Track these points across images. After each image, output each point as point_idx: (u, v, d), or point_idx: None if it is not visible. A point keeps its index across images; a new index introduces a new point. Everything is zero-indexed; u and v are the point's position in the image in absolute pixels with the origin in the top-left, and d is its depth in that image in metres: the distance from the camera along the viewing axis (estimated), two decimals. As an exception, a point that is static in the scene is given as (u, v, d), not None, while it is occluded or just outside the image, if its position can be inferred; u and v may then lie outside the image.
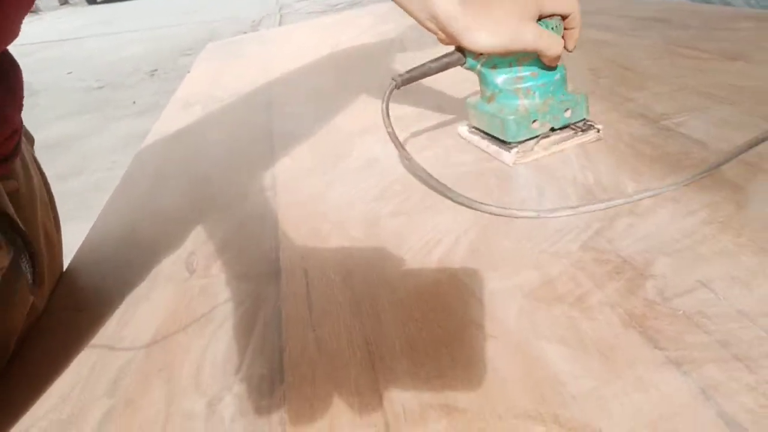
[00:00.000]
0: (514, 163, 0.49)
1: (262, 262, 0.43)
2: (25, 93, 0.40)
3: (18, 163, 0.41)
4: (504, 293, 0.34)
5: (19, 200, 0.40)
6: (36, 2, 0.37)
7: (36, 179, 0.46)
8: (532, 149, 0.49)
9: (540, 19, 0.46)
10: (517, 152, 0.48)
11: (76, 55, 6.24)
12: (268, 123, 0.76)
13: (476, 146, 0.53)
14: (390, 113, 0.46)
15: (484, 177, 0.48)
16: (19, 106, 0.39)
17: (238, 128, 0.77)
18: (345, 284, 0.38)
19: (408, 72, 0.48)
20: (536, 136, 0.49)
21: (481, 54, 0.47)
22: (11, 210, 0.37)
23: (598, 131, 0.50)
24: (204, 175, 0.63)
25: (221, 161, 0.66)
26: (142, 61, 5.33)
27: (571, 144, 0.50)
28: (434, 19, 0.44)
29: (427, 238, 0.41)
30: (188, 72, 1.25)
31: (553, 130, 0.50)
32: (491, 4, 0.43)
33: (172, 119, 0.90)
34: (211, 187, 0.59)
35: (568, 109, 0.49)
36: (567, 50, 0.49)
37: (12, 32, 0.35)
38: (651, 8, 0.93)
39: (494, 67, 0.48)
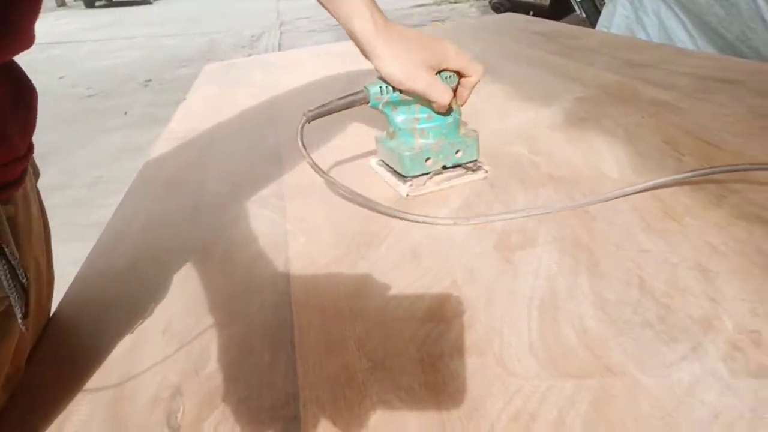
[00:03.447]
0: (407, 195, 0.54)
1: (275, 420, 0.31)
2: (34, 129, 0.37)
3: (18, 192, 0.39)
4: None
5: (15, 228, 0.37)
6: None
7: (35, 212, 0.43)
8: (424, 184, 0.54)
9: (441, 71, 0.52)
10: (411, 185, 0.54)
11: (69, 59, 6.09)
12: (277, 173, 0.64)
13: (381, 177, 0.58)
14: (306, 145, 0.51)
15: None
16: (29, 134, 0.37)
17: (240, 179, 0.65)
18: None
19: (317, 108, 0.52)
20: (428, 173, 0.54)
21: (388, 84, 0.51)
22: (9, 237, 0.34)
23: (486, 172, 0.56)
24: (198, 246, 0.50)
25: (219, 227, 0.54)
26: (137, 70, 5.21)
27: (459, 182, 0.55)
28: (352, 35, 0.50)
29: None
30: (185, 98, 1.13)
31: (445, 168, 0.55)
32: (400, 41, 0.49)
33: (164, 161, 0.77)
34: (208, 272, 0.47)
35: (459, 150, 0.55)
36: (458, 104, 0.55)
37: (26, 38, 0.33)
38: (714, 65, 0.82)
39: (395, 108, 0.54)
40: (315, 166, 0.51)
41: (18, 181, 0.37)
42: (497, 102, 0.79)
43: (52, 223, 0.48)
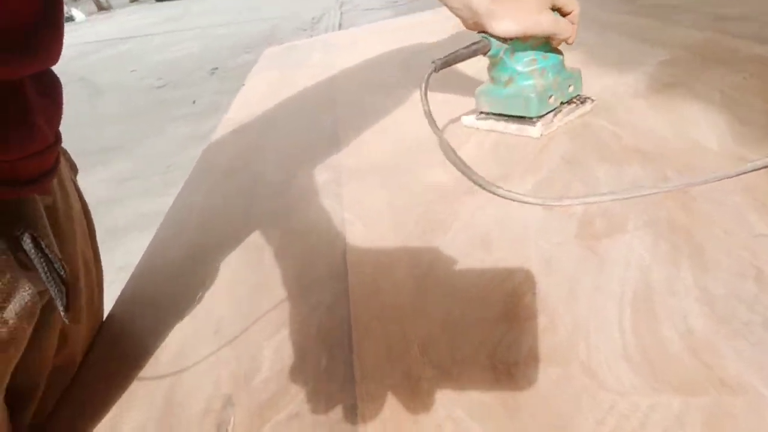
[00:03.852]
0: (541, 135, 0.54)
1: (331, 423, 0.28)
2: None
3: (56, 186, 0.39)
4: None
5: (55, 218, 0.37)
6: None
7: (77, 207, 0.43)
8: (551, 121, 0.55)
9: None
10: (542, 125, 0.54)
11: (140, 52, 6.33)
12: (335, 157, 0.60)
13: (490, 130, 0.58)
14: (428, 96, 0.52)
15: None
16: (57, 123, 0.36)
17: (299, 163, 0.62)
18: None
19: (444, 57, 0.53)
20: (553, 110, 0.56)
21: (505, 40, 0.53)
22: (48, 230, 0.34)
23: (593, 101, 0.58)
24: (256, 243, 0.48)
25: (276, 217, 0.51)
26: (204, 59, 5.34)
27: (577, 114, 0.57)
28: (468, 8, 0.52)
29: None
30: (242, 85, 1.12)
31: (562, 103, 0.57)
32: None
33: (223, 148, 0.76)
34: (263, 267, 0.44)
35: (571, 85, 0.58)
36: (568, 43, 0.56)
37: (50, 56, 0.32)
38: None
39: (512, 54, 0.55)
40: (431, 118, 0.53)
41: (52, 170, 0.36)
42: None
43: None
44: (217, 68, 4.88)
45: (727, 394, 0.25)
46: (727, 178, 0.40)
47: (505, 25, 0.52)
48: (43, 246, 0.32)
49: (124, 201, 2.20)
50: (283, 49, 1.45)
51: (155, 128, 3.52)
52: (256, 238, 0.49)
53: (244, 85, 1.11)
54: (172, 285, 0.45)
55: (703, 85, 0.58)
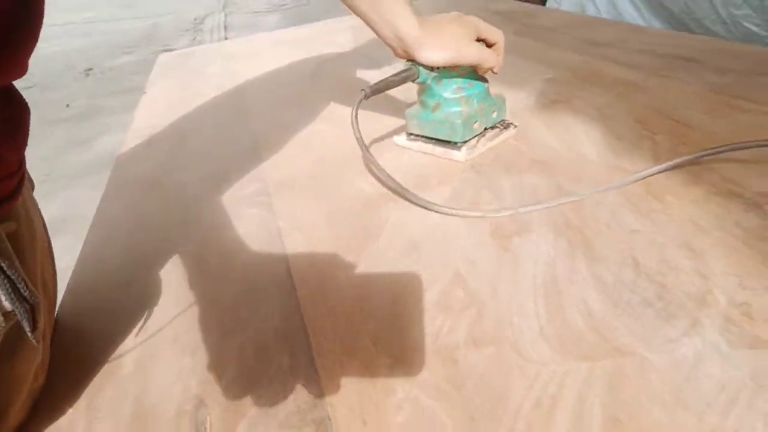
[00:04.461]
0: (466, 159, 0.58)
1: (305, 423, 0.31)
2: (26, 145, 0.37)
3: (19, 205, 0.39)
4: None
5: (18, 243, 0.37)
6: None
7: (38, 225, 0.43)
8: (476, 146, 0.59)
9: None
10: (467, 149, 0.58)
11: (0, 49, 5.75)
12: (257, 170, 0.63)
13: (419, 151, 0.62)
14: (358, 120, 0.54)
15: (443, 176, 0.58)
16: (21, 150, 0.37)
17: (222, 177, 0.64)
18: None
19: (374, 85, 0.56)
20: (475, 136, 0.60)
21: (432, 69, 0.57)
22: (10, 253, 0.34)
23: (515, 127, 0.63)
24: (192, 257, 0.50)
25: (208, 229, 0.53)
26: (76, 59, 4.97)
27: (500, 138, 0.62)
28: (397, 38, 0.55)
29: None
30: (143, 92, 1.10)
31: (486, 129, 0.61)
32: (443, 28, 0.55)
33: (136, 163, 0.75)
34: (204, 277, 0.47)
35: (494, 111, 0.62)
36: (493, 73, 0.60)
37: (21, 69, 0.34)
38: (669, 42, 0.86)
39: (439, 81, 0.59)
40: (363, 145, 0.54)
41: (13, 195, 0.36)
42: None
43: None
44: (92, 69, 4.57)
45: (620, 358, 0.32)
46: (613, 188, 0.49)
47: (432, 54, 0.55)
48: (5, 268, 0.32)
49: None
50: (178, 56, 1.42)
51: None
52: (193, 250, 0.51)
53: (145, 92, 1.09)
54: (113, 302, 0.46)
55: (581, 101, 0.68)
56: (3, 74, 0.33)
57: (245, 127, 0.80)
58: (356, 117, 0.54)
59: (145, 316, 0.42)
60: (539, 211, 0.47)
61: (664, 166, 0.49)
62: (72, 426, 0.34)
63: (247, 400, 0.33)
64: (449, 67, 0.57)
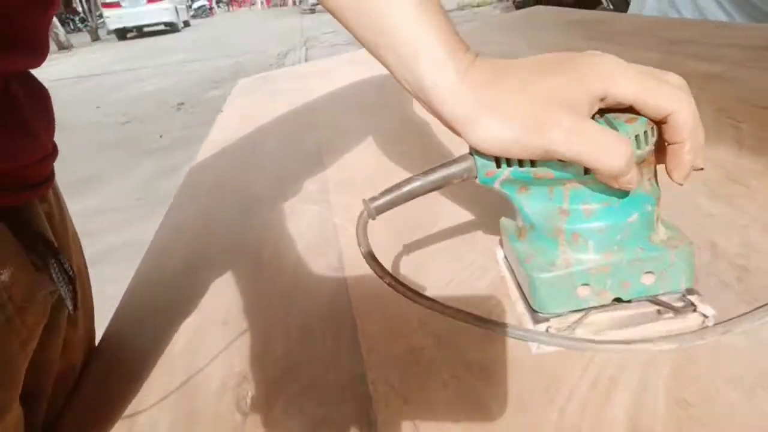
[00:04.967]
0: (536, 352, 0.30)
1: (345, 399, 0.30)
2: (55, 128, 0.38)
3: (50, 193, 0.39)
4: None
5: (52, 224, 0.37)
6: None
7: (66, 212, 0.43)
8: (573, 329, 0.30)
9: (606, 112, 0.27)
10: (549, 330, 0.30)
11: (104, 89, 6.30)
12: (320, 173, 0.64)
13: (510, 284, 0.36)
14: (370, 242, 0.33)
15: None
16: (52, 131, 0.37)
17: (285, 181, 0.65)
18: (479, 452, 0.25)
19: (385, 193, 0.32)
20: (584, 309, 0.30)
21: (499, 162, 0.29)
22: (50, 233, 0.35)
23: (705, 318, 0.29)
24: (251, 250, 0.50)
25: (271, 229, 0.54)
26: (169, 95, 5.34)
27: (650, 332, 0.29)
28: (422, 92, 0.29)
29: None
30: (220, 111, 1.15)
31: (619, 301, 0.30)
32: (510, 76, 0.28)
33: (206, 171, 0.78)
34: (261, 268, 0.47)
35: (650, 271, 0.30)
36: (675, 181, 0.28)
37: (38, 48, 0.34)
38: (758, 34, 0.80)
39: (524, 188, 0.31)
40: (396, 285, 0.32)
41: (49, 178, 0.38)
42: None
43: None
44: (183, 103, 4.89)
45: (692, 340, 0.28)
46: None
47: (483, 129, 0.28)
48: (55, 246, 0.34)
49: (95, 234, 2.18)
50: (256, 80, 1.48)
51: (123, 163, 3.50)
52: (251, 244, 0.51)
53: (222, 111, 1.14)
54: (174, 292, 0.47)
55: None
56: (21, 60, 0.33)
57: (311, 136, 0.81)
58: (367, 246, 0.33)
59: (198, 306, 0.43)
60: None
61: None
62: (123, 395, 0.35)
63: (289, 378, 0.33)
64: (538, 162, 0.29)
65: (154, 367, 0.37)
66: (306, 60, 6.03)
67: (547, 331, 0.30)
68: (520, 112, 0.26)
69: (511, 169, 0.29)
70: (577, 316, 0.30)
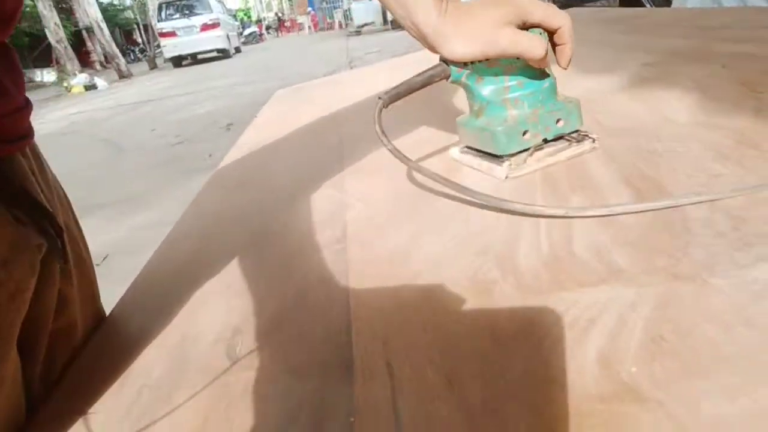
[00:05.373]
0: (506, 177, 0.46)
1: (328, 347, 0.31)
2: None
3: (29, 155, 0.40)
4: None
5: (35, 182, 0.39)
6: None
7: (51, 177, 0.44)
8: (524, 162, 0.47)
9: (525, 29, 0.44)
10: (509, 165, 0.46)
11: (159, 113, 6.58)
12: (338, 164, 0.65)
13: (469, 165, 0.51)
14: (385, 132, 0.45)
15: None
16: (22, 87, 0.39)
17: (304, 171, 0.67)
18: (451, 388, 0.25)
19: (394, 89, 0.47)
20: (528, 149, 0.47)
21: (465, 65, 0.46)
22: (35, 188, 0.37)
23: (594, 141, 0.48)
24: (263, 228, 0.52)
25: (284, 211, 0.55)
26: (220, 116, 5.53)
27: (565, 155, 0.47)
28: (415, 27, 0.45)
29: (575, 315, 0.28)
30: (255, 117, 1.19)
31: (546, 141, 0.47)
32: (469, 14, 0.44)
33: (233, 166, 0.81)
34: (269, 242, 0.48)
35: (560, 119, 0.47)
36: (561, 67, 0.46)
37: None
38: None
39: (480, 78, 0.47)
40: (395, 151, 0.45)
41: (28, 135, 0.38)
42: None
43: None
44: (232, 124, 5.06)
45: (676, 283, 0.28)
46: (696, 140, 0.44)
47: (456, 47, 0.44)
48: (39, 200, 0.35)
49: (148, 248, 2.27)
50: (292, 90, 1.53)
51: (174, 180, 3.64)
52: (264, 222, 0.53)
53: (256, 117, 1.18)
54: (187, 267, 0.49)
55: (681, 77, 0.63)
56: None
57: (334, 133, 0.83)
58: (380, 127, 0.45)
59: (207, 276, 0.44)
60: (603, 160, 0.43)
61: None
62: (123, 346, 0.37)
63: (279, 330, 0.33)
64: (487, 60, 0.45)
65: (155, 325, 0.39)
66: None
67: (508, 165, 0.46)
68: (479, 33, 0.43)
69: (473, 66, 0.46)
70: (526, 154, 0.46)
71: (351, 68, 6.90)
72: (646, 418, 0.21)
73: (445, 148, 0.56)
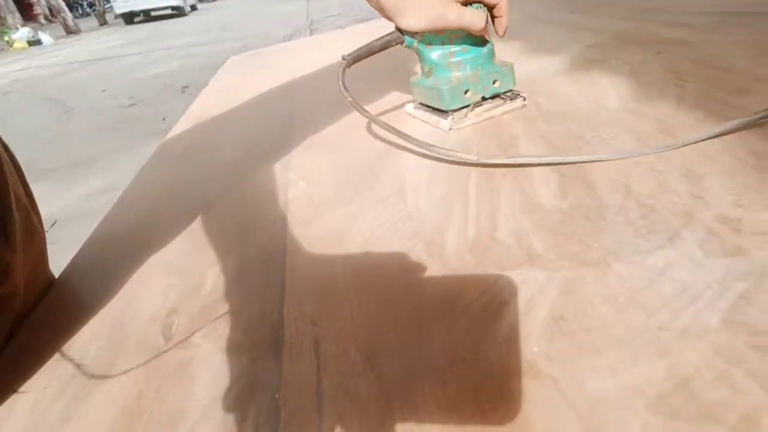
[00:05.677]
0: (449, 129, 0.54)
1: (261, 325, 0.32)
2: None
3: None
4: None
5: None
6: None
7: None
8: (465, 116, 0.55)
9: (467, 4, 0.52)
10: (453, 119, 0.54)
11: (110, 73, 6.32)
12: (287, 138, 0.65)
13: (420, 119, 0.59)
14: (348, 88, 0.52)
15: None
16: None
17: (253, 145, 0.67)
18: (369, 365, 0.27)
19: (356, 51, 0.54)
20: (469, 105, 0.55)
21: (417, 33, 0.53)
22: None
23: (524, 99, 0.57)
24: (206, 202, 0.52)
25: (227, 185, 0.56)
26: (175, 78, 5.37)
27: (501, 110, 0.56)
28: (376, 1, 0.51)
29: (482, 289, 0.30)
30: (205, 86, 1.17)
31: (484, 99, 0.56)
32: None
33: (182, 137, 0.80)
34: (212, 218, 0.49)
35: (496, 80, 0.55)
36: (498, 36, 0.55)
37: None
38: (727, 2, 0.80)
39: (429, 44, 0.55)
40: (356, 105, 0.52)
41: None
42: (503, 58, 0.78)
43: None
44: (187, 86, 4.92)
45: (584, 269, 0.30)
46: (621, 129, 0.46)
47: (409, 21, 0.51)
48: None
49: (97, 216, 2.22)
50: (246, 56, 1.50)
51: (126, 145, 3.53)
52: (209, 197, 0.53)
53: (206, 85, 1.15)
54: (131, 241, 0.49)
55: (618, 61, 0.65)
56: None
57: (285, 106, 0.82)
58: (344, 84, 0.52)
59: (148, 253, 0.45)
60: (536, 146, 0.46)
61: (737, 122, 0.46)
62: (62, 321, 0.37)
63: (214, 309, 0.35)
64: (434, 30, 0.52)
65: (94, 305, 0.40)
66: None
67: (452, 119, 0.54)
68: (430, 8, 0.50)
69: (423, 35, 0.53)
70: (467, 109, 0.55)
71: (311, 31, 6.76)
72: (540, 394, 0.23)
73: (401, 105, 0.65)
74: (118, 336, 0.35)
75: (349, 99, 0.52)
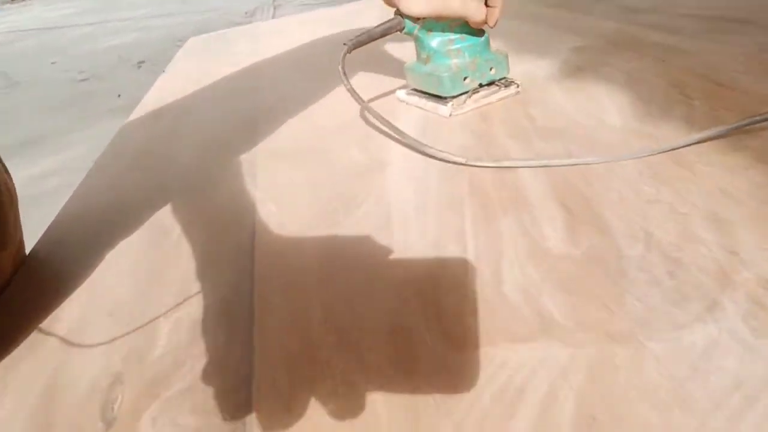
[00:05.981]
0: (450, 115, 0.55)
1: (225, 395, 0.27)
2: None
3: None
4: None
5: None
6: None
7: None
8: (464, 102, 0.56)
9: None
10: (452, 105, 0.55)
11: (61, 44, 6.00)
12: (251, 144, 0.59)
13: (415, 105, 0.59)
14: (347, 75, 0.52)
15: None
16: None
17: (212, 151, 0.60)
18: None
19: (357, 37, 0.53)
20: (467, 91, 0.56)
21: (418, 19, 0.53)
22: None
23: (518, 86, 0.58)
24: (159, 225, 0.46)
25: (185, 207, 0.49)
26: (130, 52, 5.12)
27: (497, 97, 0.57)
28: None
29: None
30: (163, 71, 1.08)
31: (481, 86, 0.57)
32: None
33: (136, 130, 0.73)
34: (163, 248, 0.43)
35: (492, 67, 0.57)
36: (489, 26, 0.55)
37: None
38: (719, 4, 0.76)
39: (430, 31, 0.55)
40: (352, 92, 0.52)
41: None
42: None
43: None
44: (143, 61, 4.70)
45: (612, 345, 0.26)
46: (631, 157, 0.42)
47: (413, 4, 0.51)
48: None
49: (47, 198, 2.08)
50: (207, 38, 1.40)
51: (79, 123, 3.35)
52: (163, 217, 0.47)
53: (164, 72, 1.07)
54: (71, 264, 0.43)
55: (611, 68, 0.61)
56: None
57: (250, 101, 0.76)
58: (344, 71, 0.52)
59: (92, 287, 0.38)
60: (535, 170, 0.41)
61: (700, 135, 0.42)
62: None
63: (168, 379, 0.29)
64: (436, 18, 0.53)
65: (27, 359, 0.33)
66: (274, 18, 5.84)
67: (452, 105, 0.55)
68: None
69: (424, 21, 0.54)
70: (465, 96, 0.56)
71: (274, 7, 6.56)
72: None
73: (391, 92, 0.64)
74: (48, 410, 0.28)
75: (347, 86, 0.52)
